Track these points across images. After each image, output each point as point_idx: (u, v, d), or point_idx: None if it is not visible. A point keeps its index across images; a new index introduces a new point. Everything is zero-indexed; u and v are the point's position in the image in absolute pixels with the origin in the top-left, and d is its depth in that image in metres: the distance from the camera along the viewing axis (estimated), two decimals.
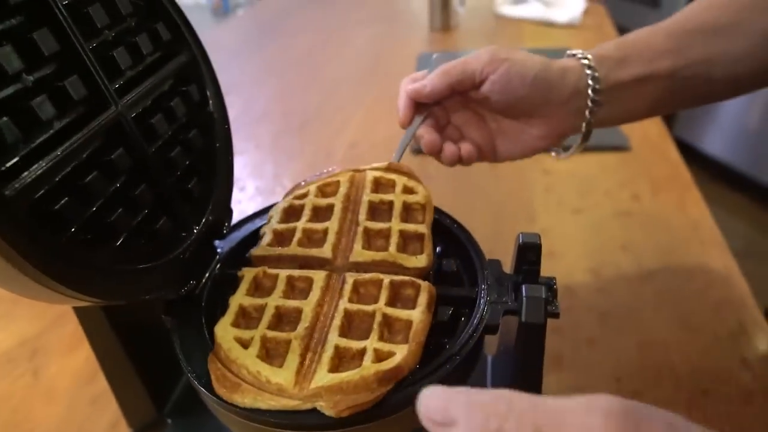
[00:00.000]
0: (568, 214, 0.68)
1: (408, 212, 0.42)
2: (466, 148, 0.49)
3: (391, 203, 0.42)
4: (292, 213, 0.42)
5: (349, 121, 0.95)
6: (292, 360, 0.31)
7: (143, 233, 0.33)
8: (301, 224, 0.40)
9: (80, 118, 0.29)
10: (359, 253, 0.38)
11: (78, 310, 0.38)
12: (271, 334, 0.33)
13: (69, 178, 0.28)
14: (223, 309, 0.36)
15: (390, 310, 0.34)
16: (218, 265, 0.40)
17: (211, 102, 0.41)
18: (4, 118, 0.24)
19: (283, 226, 0.40)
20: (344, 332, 0.33)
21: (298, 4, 1.65)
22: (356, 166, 0.66)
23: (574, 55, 0.47)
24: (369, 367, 0.30)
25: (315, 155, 0.85)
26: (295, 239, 0.39)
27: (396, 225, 0.40)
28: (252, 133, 0.89)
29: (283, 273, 0.37)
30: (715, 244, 0.63)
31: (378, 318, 0.34)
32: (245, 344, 0.32)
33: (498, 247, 0.59)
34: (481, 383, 0.47)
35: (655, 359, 0.50)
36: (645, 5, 2.39)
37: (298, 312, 0.34)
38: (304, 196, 0.43)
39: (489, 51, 0.45)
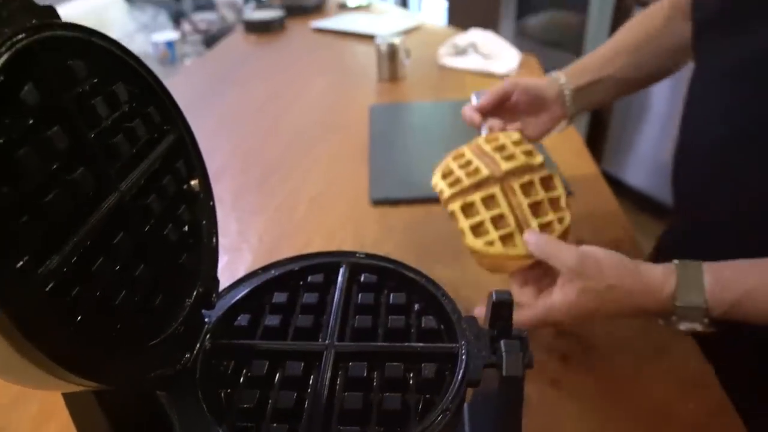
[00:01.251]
0: None
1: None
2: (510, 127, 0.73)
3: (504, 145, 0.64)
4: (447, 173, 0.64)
5: (309, 173, 0.96)
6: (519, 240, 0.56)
7: (143, 312, 0.34)
8: (458, 172, 0.62)
9: (87, 206, 0.30)
10: (504, 164, 0.60)
11: (67, 396, 0.37)
12: (498, 230, 0.56)
13: (77, 266, 0.29)
14: (217, 380, 0.38)
15: (547, 195, 0.59)
16: (208, 336, 0.41)
17: (197, 176, 0.42)
18: (24, 218, 0.25)
19: (448, 179, 0.62)
20: (535, 214, 0.58)
21: (248, 55, 1.67)
22: (319, 222, 0.72)
23: (556, 74, 0.76)
24: (558, 229, 0.57)
25: (278, 210, 0.86)
26: (463, 176, 0.60)
27: (515, 146, 0.63)
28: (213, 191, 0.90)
29: (476, 197, 0.58)
30: None
31: (545, 202, 0.58)
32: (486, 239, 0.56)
33: (463, 293, 0.63)
34: (459, 430, 0.49)
35: (613, 395, 0.54)
36: (570, 53, 2.55)
37: (502, 215, 0.57)
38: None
39: (507, 81, 0.74)
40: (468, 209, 0.58)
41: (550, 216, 0.57)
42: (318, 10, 2.16)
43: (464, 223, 0.57)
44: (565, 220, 0.58)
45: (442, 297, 0.44)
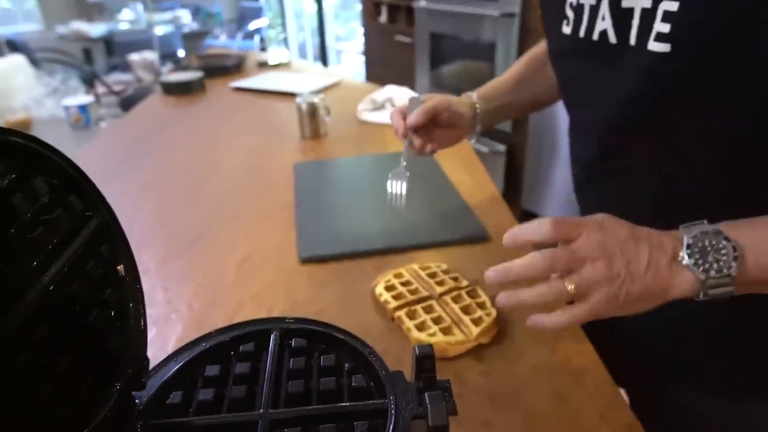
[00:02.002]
0: None
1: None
2: (431, 146, 0.85)
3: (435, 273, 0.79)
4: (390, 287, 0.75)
5: (236, 236, 0.96)
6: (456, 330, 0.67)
7: (70, 403, 0.34)
8: (400, 288, 0.74)
9: (7, 302, 0.31)
10: (438, 288, 0.74)
11: None
12: (438, 326, 0.68)
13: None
14: None
15: (473, 300, 0.72)
16: (139, 419, 0.40)
17: (122, 259, 0.43)
18: None
19: (392, 292, 0.74)
20: (466, 314, 0.69)
21: (168, 117, 1.66)
22: (249, 286, 0.74)
23: (470, 96, 0.91)
24: (487, 320, 0.68)
25: (206, 276, 0.85)
26: (405, 292, 0.74)
27: (444, 274, 0.78)
28: (136, 260, 0.88)
29: (418, 307, 0.71)
30: None
31: (473, 305, 0.71)
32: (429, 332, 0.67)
33: (393, 345, 0.65)
34: None
35: (539, 428, 0.57)
36: None
37: (440, 317, 0.70)
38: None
39: (438, 98, 0.85)
40: (411, 315, 0.70)
41: (479, 313, 0.70)
42: (238, 69, 2.19)
43: (410, 324, 0.68)
44: (492, 314, 0.69)
45: (370, 355, 0.45)
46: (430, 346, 0.43)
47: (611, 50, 0.57)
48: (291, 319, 0.49)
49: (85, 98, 1.95)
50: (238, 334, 0.48)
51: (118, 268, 0.42)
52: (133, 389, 0.41)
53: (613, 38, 0.57)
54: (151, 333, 0.72)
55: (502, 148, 2.66)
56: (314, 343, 0.48)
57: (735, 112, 0.50)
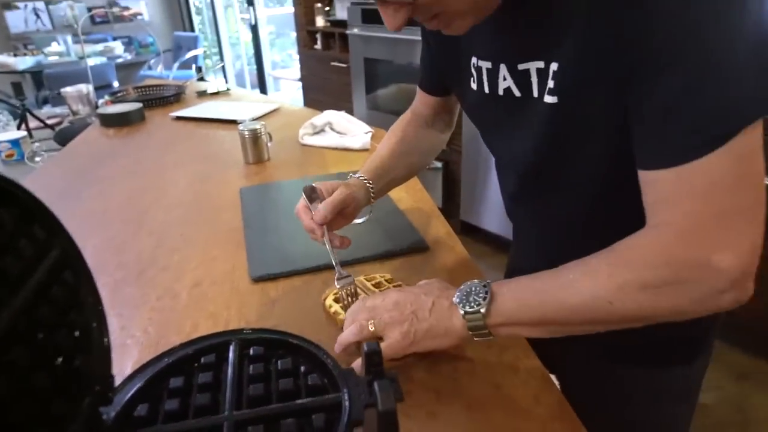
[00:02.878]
0: None
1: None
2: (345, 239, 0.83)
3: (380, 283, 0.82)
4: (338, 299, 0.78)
5: (188, 261, 0.96)
6: None
7: (44, 419, 0.36)
8: (347, 299, 0.76)
9: None
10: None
11: None
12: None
13: None
14: None
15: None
16: (108, 431, 0.42)
17: (84, 283, 0.44)
18: None
19: (340, 304, 0.77)
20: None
21: (108, 149, 1.63)
22: (203, 307, 0.75)
23: (360, 178, 0.88)
24: None
25: (160, 300, 0.84)
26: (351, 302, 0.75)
27: (389, 283, 0.82)
28: None
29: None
30: None
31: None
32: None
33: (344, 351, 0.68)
34: None
35: (480, 415, 0.61)
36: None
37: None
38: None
39: (342, 192, 0.81)
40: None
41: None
42: (177, 99, 2.17)
43: None
44: None
45: (324, 356, 0.48)
46: (377, 343, 0.46)
47: (517, 103, 0.66)
48: (249, 329, 0.52)
49: (17, 133, 1.89)
50: (198, 348, 0.49)
51: (80, 291, 0.44)
52: (100, 405, 0.42)
53: (517, 93, 0.65)
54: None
55: (438, 164, 2.74)
56: (271, 350, 0.50)
57: (609, 150, 0.59)
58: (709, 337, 0.77)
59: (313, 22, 3.44)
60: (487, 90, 0.71)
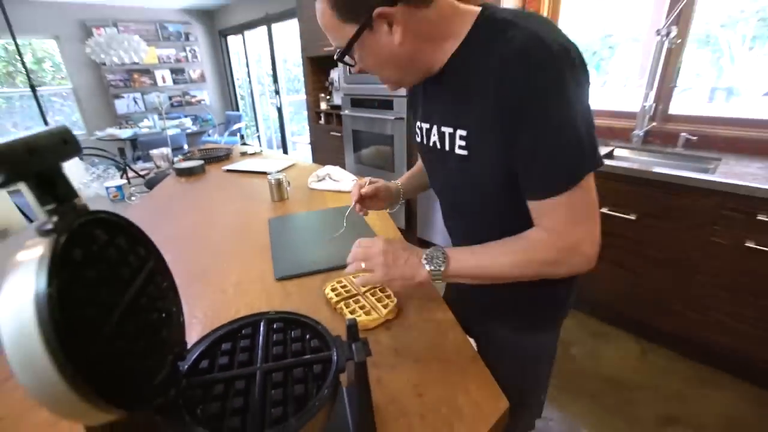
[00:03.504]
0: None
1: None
2: (365, 210, 0.89)
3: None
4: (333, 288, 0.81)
5: (232, 268, 0.96)
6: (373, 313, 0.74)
7: (146, 368, 0.38)
8: (340, 289, 0.81)
9: (110, 309, 0.35)
10: (362, 288, 0.80)
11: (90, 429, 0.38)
12: (362, 310, 0.74)
13: (118, 334, 0.33)
14: (193, 402, 0.41)
15: (383, 294, 0.79)
16: (183, 377, 0.44)
17: (168, 282, 0.47)
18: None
19: (335, 292, 0.80)
20: (379, 302, 0.76)
21: (180, 192, 1.62)
22: (243, 298, 0.75)
23: (396, 183, 0.95)
24: (390, 305, 0.75)
25: (214, 293, 0.85)
26: (343, 292, 0.80)
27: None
28: None
29: (351, 300, 0.78)
30: (439, 302, 0.80)
31: (383, 297, 0.77)
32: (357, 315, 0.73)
33: (336, 324, 0.69)
34: (341, 405, 0.56)
35: (421, 366, 0.63)
36: (387, 170, 2.82)
37: (364, 305, 0.76)
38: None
39: (377, 184, 0.90)
40: (347, 305, 0.76)
41: (387, 301, 0.77)
42: (227, 157, 2.17)
43: (345, 310, 0.75)
44: (394, 301, 0.76)
45: (321, 329, 0.50)
46: (355, 319, 0.50)
47: (442, 152, 0.68)
48: (273, 312, 0.54)
49: (121, 181, 1.88)
50: (240, 324, 0.52)
51: (165, 286, 0.46)
52: (178, 360, 0.45)
53: (439, 146, 0.68)
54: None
55: (402, 200, 2.77)
56: (288, 324, 0.52)
57: (502, 183, 0.61)
58: (563, 313, 0.79)
59: (318, 105, 3.49)
60: (425, 142, 0.73)
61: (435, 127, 0.68)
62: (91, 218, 0.36)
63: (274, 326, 0.52)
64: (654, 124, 1.98)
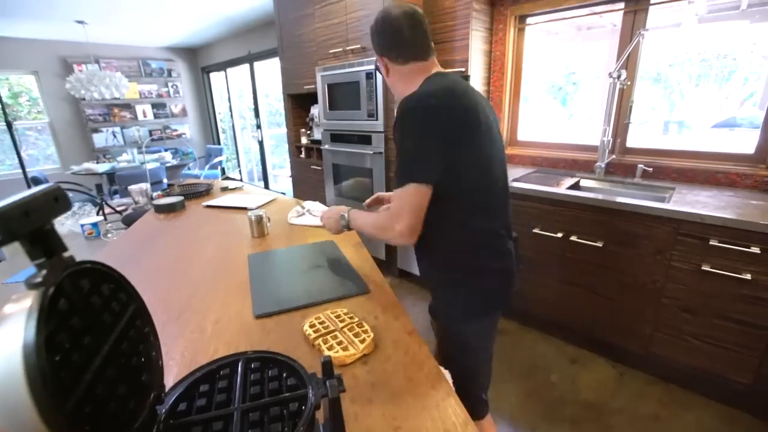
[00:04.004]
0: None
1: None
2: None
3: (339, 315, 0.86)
4: (312, 325, 0.82)
5: (212, 305, 0.95)
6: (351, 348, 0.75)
7: (124, 412, 0.39)
8: (318, 326, 0.82)
9: (92, 354, 0.36)
10: (339, 324, 0.82)
11: None
12: (339, 346, 0.76)
13: (94, 386, 0.34)
14: None
15: (360, 329, 0.80)
16: (161, 421, 0.45)
17: (148, 327, 0.48)
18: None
19: (313, 329, 0.81)
20: (356, 337, 0.78)
21: (159, 229, 1.60)
22: (222, 337, 0.76)
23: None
24: (367, 340, 0.77)
25: (192, 333, 0.84)
26: (321, 328, 0.81)
27: (345, 315, 0.86)
28: None
29: (328, 336, 0.79)
30: (414, 335, 0.83)
31: (360, 332, 0.79)
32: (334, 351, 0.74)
33: (315, 362, 0.70)
34: None
35: (397, 399, 0.65)
36: (360, 202, 2.86)
37: (342, 341, 0.77)
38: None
39: (384, 193, 1.23)
40: (325, 341, 0.77)
41: (363, 336, 0.79)
42: (207, 193, 2.18)
43: (323, 347, 0.76)
44: (371, 336, 0.79)
45: (298, 366, 0.52)
46: (330, 356, 0.52)
47: None
48: (251, 352, 0.55)
49: (96, 218, 1.86)
50: (219, 365, 0.53)
51: (146, 331, 0.48)
52: (157, 404, 0.45)
53: None
54: None
55: None
56: (265, 363, 0.53)
57: (458, 202, 0.86)
58: (490, 308, 0.96)
59: (299, 140, 3.56)
60: None
61: None
62: (78, 269, 0.38)
63: (252, 366, 0.53)
64: (614, 156, 2.12)
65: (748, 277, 1.41)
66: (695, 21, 2.39)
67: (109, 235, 1.81)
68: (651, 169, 1.99)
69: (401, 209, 0.83)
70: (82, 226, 1.79)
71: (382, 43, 0.92)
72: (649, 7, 1.90)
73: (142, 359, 0.45)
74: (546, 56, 2.86)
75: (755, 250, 1.38)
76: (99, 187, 2.33)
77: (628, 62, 1.97)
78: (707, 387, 1.66)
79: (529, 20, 2.35)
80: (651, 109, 3.15)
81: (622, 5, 1.97)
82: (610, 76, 1.94)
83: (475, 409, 1.03)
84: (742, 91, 2.89)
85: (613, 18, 2.07)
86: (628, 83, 1.97)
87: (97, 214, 2.07)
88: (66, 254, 0.36)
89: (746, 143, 1.83)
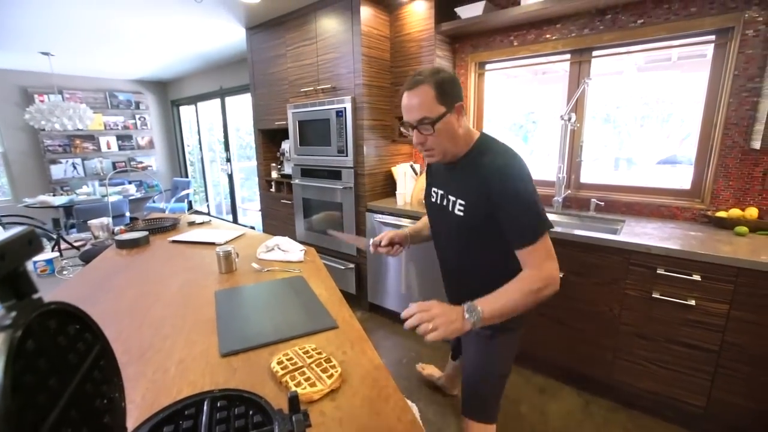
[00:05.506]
0: None
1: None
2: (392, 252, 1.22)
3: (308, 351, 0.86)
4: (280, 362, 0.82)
5: (174, 345, 0.93)
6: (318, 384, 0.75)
7: None
8: (286, 362, 0.82)
9: (55, 397, 0.37)
10: (307, 360, 0.82)
11: None
12: (307, 382, 0.75)
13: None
14: None
15: (327, 365, 0.81)
16: None
17: (112, 367, 0.48)
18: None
19: (281, 365, 0.81)
20: (324, 373, 0.78)
21: (120, 266, 1.55)
22: (186, 377, 0.75)
23: (404, 230, 1.24)
24: (335, 375, 0.78)
25: (155, 374, 0.82)
26: (289, 365, 0.81)
27: (314, 351, 0.86)
28: None
29: (296, 373, 0.78)
30: (381, 369, 0.85)
31: (328, 367, 0.80)
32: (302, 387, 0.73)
33: (281, 397, 0.70)
34: None
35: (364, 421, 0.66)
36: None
37: (309, 377, 0.77)
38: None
39: (393, 233, 1.21)
40: (293, 378, 0.78)
41: (331, 371, 0.79)
42: (174, 228, 2.13)
43: (290, 384, 0.76)
44: (338, 371, 0.80)
45: (264, 403, 0.54)
46: (296, 391, 0.53)
47: (446, 210, 1.05)
48: (217, 390, 0.56)
49: (51, 254, 1.78)
50: (183, 405, 0.53)
51: (111, 371, 0.48)
52: None
53: (445, 205, 1.06)
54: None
55: (352, 265, 2.83)
56: (231, 402, 0.54)
57: (482, 231, 0.97)
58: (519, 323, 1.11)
59: (269, 174, 3.57)
60: (436, 201, 1.11)
61: (445, 194, 1.06)
62: (46, 310, 0.39)
63: (218, 404, 0.53)
64: (569, 191, 2.27)
65: (693, 303, 1.52)
66: (635, 70, 2.68)
67: (65, 272, 1.73)
68: (603, 203, 2.15)
69: (546, 258, 0.88)
70: (35, 263, 1.71)
71: (458, 92, 0.95)
72: (591, 59, 2.12)
73: (105, 400, 0.45)
74: (506, 97, 3.08)
75: (697, 277, 1.50)
76: (56, 221, 2.23)
77: (577, 106, 2.17)
78: (667, 412, 1.73)
79: (487, 66, 2.55)
80: (603, 147, 3.42)
81: (568, 56, 2.19)
82: (562, 119, 2.12)
83: (497, 412, 1.15)
84: (680, 131, 3.21)
85: (564, 65, 2.28)
86: (578, 125, 2.15)
87: (53, 249, 1.98)
88: (35, 295, 0.37)
89: (685, 179, 2.02)
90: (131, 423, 0.68)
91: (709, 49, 1.84)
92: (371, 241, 1.21)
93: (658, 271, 1.58)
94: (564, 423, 1.77)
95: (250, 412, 0.53)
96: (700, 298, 1.51)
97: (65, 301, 0.43)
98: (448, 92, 0.93)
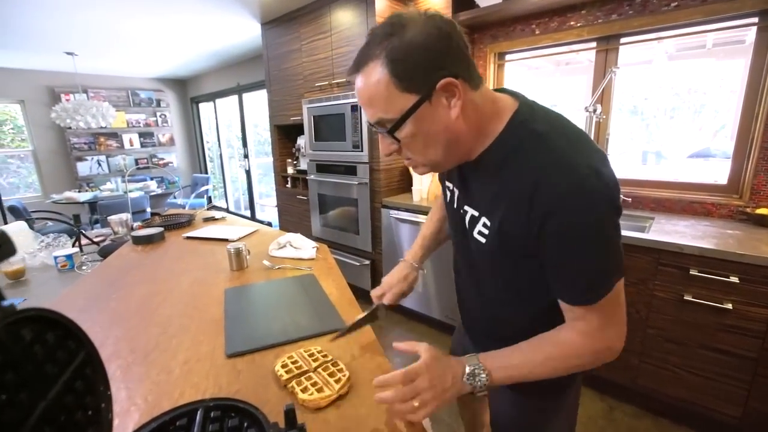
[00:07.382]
0: None
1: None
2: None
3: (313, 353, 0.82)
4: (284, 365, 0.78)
5: (181, 344, 0.92)
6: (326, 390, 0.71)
7: None
8: (291, 365, 0.79)
9: (30, 411, 0.34)
10: (313, 364, 0.79)
11: None
12: (314, 388, 0.71)
13: None
14: None
15: (335, 369, 0.77)
16: None
17: (99, 376, 0.46)
18: None
19: (285, 369, 0.77)
20: (331, 377, 0.74)
21: (135, 262, 1.57)
22: (189, 379, 0.72)
23: (408, 262, 0.95)
24: (343, 380, 0.73)
25: (159, 375, 0.81)
26: (294, 368, 0.78)
27: (318, 353, 0.82)
28: (107, 370, 0.82)
29: (302, 377, 0.75)
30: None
31: (335, 372, 0.76)
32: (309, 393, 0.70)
33: (281, 408, 0.67)
34: None
35: None
36: (351, 232, 2.87)
37: (316, 382, 0.73)
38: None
39: (400, 285, 0.92)
40: (298, 383, 0.74)
41: (339, 375, 0.75)
42: (189, 224, 2.15)
43: (296, 389, 0.72)
44: (346, 375, 0.76)
45: (261, 415, 0.51)
46: (293, 404, 0.50)
47: (463, 225, 0.73)
48: (210, 400, 0.53)
49: (71, 250, 1.81)
50: (175, 414, 0.51)
51: (97, 381, 0.45)
52: None
53: (462, 216, 0.72)
54: (116, 422, 0.69)
55: (367, 261, 2.80)
56: (226, 412, 0.52)
57: (513, 268, 0.66)
58: (575, 384, 0.84)
59: (285, 170, 3.58)
60: (448, 201, 0.79)
61: (463, 201, 0.72)
62: (20, 317, 0.36)
63: (212, 415, 0.51)
64: None
65: (729, 306, 1.42)
66: (665, 58, 2.53)
67: (83, 268, 1.76)
68: (630, 199, 2.04)
69: (609, 323, 0.60)
70: (56, 258, 1.74)
71: (439, 60, 0.53)
72: (619, 46, 2.01)
73: (89, 412, 0.42)
74: (527, 89, 2.98)
75: (734, 279, 1.40)
76: (77, 217, 2.27)
77: (603, 97, 2.06)
78: (697, 421, 1.64)
79: (507, 57, 2.45)
80: (630, 140, 3.26)
81: (594, 44, 2.08)
82: (587, 110, 2.02)
83: None
84: (714, 123, 3.03)
85: (589, 54, 2.17)
86: (604, 117, 2.05)
87: (73, 245, 2.02)
88: (5, 302, 0.35)
89: (720, 173, 1.89)
90: (132, 426, 0.67)
91: (750, 33, 1.71)
92: (371, 293, 0.95)
93: (691, 272, 1.48)
94: (586, 429, 1.69)
95: (245, 425, 0.50)
96: (738, 301, 1.41)
97: (45, 307, 0.40)
98: (418, 66, 0.52)
